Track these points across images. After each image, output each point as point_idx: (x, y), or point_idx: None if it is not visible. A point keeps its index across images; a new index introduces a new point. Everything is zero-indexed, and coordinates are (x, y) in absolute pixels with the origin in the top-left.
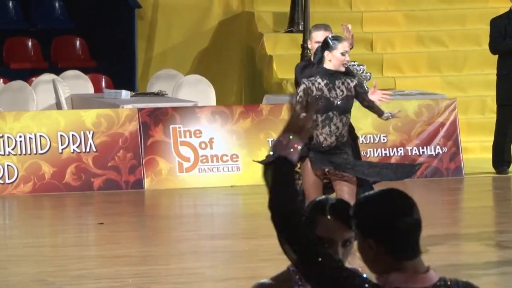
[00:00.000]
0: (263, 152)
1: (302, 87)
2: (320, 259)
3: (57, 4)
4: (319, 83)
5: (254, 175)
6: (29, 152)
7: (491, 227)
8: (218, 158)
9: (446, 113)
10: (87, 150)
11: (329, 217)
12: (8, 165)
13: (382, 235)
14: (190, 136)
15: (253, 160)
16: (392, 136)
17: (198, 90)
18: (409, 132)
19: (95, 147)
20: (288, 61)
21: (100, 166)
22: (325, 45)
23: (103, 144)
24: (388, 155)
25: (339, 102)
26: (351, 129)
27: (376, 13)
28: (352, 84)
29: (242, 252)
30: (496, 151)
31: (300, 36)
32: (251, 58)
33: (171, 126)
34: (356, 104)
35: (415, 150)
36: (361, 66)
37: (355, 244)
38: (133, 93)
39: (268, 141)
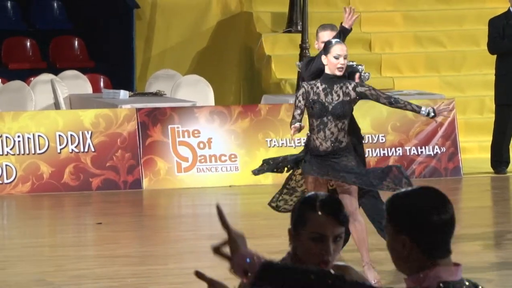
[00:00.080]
0: (262, 152)
1: (301, 90)
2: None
3: (55, 5)
4: (317, 87)
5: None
6: (27, 152)
7: (490, 227)
8: (216, 158)
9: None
10: (86, 150)
11: (319, 213)
12: (6, 165)
13: (417, 231)
14: (189, 136)
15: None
16: (390, 136)
17: (197, 90)
18: (407, 132)
19: (93, 147)
20: (287, 61)
21: (98, 166)
22: (323, 48)
23: (101, 144)
24: (386, 155)
25: (333, 107)
26: (355, 131)
27: (375, 13)
28: (350, 87)
29: None
30: (495, 151)
31: (298, 36)
32: (250, 58)
33: (169, 126)
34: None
35: (413, 150)
36: (359, 66)
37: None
38: (132, 93)
39: (267, 141)
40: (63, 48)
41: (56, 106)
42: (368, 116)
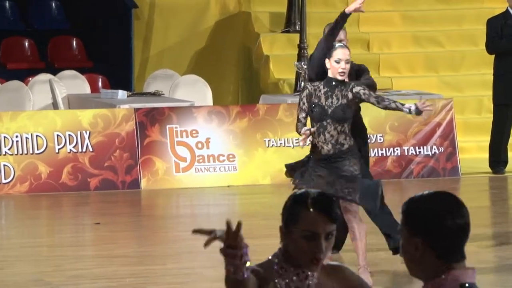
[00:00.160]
0: (260, 152)
1: (305, 92)
2: None
3: (53, 5)
4: (320, 90)
5: (251, 175)
6: (25, 152)
7: (488, 227)
8: (214, 158)
9: (442, 113)
10: (84, 150)
11: (311, 210)
12: (4, 165)
13: (431, 234)
14: (187, 136)
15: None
16: (388, 136)
17: (195, 90)
18: (405, 132)
19: (91, 147)
20: (285, 61)
21: (96, 166)
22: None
23: (99, 144)
24: (384, 155)
25: (333, 111)
26: (362, 131)
27: (373, 13)
28: (348, 89)
29: None
30: (493, 151)
31: (296, 36)
32: (248, 58)
33: (167, 126)
34: None
35: (411, 150)
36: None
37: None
38: (130, 93)
39: (265, 141)
40: (61, 48)
41: (54, 106)
42: (366, 116)
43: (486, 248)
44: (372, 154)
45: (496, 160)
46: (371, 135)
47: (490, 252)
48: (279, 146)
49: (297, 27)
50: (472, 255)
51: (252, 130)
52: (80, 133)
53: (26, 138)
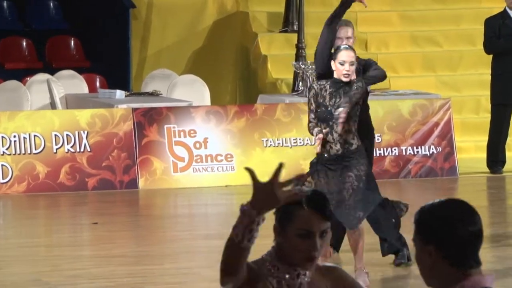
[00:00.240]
0: (258, 152)
1: (311, 92)
2: None
3: (51, 4)
4: (325, 90)
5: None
6: (23, 152)
7: (486, 227)
8: (212, 158)
9: (440, 112)
10: (82, 150)
11: (306, 209)
12: (2, 165)
13: (444, 242)
14: (185, 136)
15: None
16: (386, 136)
17: (193, 90)
18: (403, 131)
19: (89, 147)
20: (283, 61)
21: (94, 166)
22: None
23: (97, 144)
24: (382, 155)
25: (336, 111)
26: (370, 132)
27: (371, 13)
28: (353, 88)
29: None
30: (491, 151)
31: (294, 36)
32: (246, 58)
33: (165, 126)
34: None
35: (409, 150)
36: None
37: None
38: (128, 93)
39: (263, 140)
40: (59, 48)
41: (52, 106)
42: None
43: (484, 248)
44: None
45: (494, 160)
46: None
47: (488, 252)
48: (277, 146)
49: (295, 27)
50: None
51: (250, 130)
52: (78, 133)
53: (24, 138)
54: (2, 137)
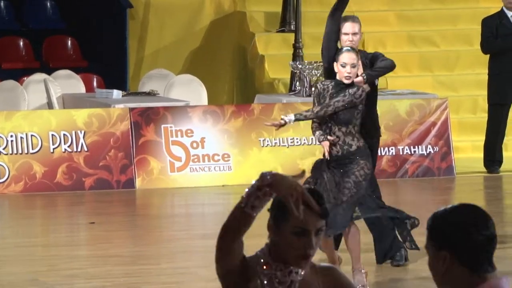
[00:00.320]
0: (255, 152)
1: (315, 92)
2: None
3: (48, 4)
4: (328, 91)
5: (246, 174)
6: (20, 151)
7: None
8: (209, 158)
9: (437, 112)
10: (79, 149)
11: (302, 207)
12: None
13: (458, 247)
14: (182, 136)
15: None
16: (383, 136)
17: (190, 90)
18: (400, 131)
19: (86, 146)
20: (280, 61)
21: (91, 166)
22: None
23: (94, 144)
24: (379, 154)
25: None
26: (372, 129)
27: (368, 13)
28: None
29: None
30: (488, 151)
31: (292, 36)
32: (243, 57)
33: (162, 126)
34: None
35: (406, 150)
36: None
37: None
38: (125, 93)
39: (260, 140)
40: (56, 48)
41: (49, 105)
42: None
43: None
44: None
45: (491, 159)
46: None
47: None
48: (274, 146)
49: (292, 27)
50: None
51: (247, 130)
52: (75, 132)
53: (21, 137)
54: None
